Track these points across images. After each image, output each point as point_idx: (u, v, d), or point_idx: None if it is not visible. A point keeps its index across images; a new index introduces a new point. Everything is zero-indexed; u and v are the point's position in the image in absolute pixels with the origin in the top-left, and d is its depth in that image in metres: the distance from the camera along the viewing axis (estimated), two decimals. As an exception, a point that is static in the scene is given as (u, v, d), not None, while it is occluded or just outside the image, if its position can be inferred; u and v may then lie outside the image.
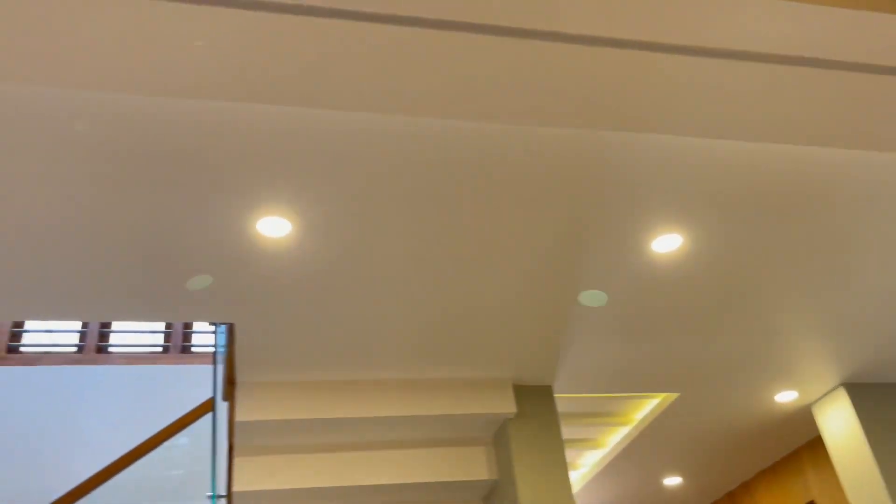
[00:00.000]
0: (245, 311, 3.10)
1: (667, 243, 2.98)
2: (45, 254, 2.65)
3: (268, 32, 1.92)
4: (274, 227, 2.65)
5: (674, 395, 4.41)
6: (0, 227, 2.50)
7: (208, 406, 4.22)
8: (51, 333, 5.97)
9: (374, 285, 3.05)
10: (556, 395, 4.07)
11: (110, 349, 6.02)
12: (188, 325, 6.18)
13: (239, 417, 3.52)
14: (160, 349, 6.11)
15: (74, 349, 5.91)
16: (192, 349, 6.12)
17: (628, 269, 3.11)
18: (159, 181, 2.39)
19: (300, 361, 3.53)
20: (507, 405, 3.84)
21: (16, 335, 5.80)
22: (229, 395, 3.65)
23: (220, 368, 4.02)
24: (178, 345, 6.10)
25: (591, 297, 2.93)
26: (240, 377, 3.57)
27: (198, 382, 5.50)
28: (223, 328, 3.91)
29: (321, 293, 3.06)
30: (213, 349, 6.03)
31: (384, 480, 3.79)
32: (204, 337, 6.19)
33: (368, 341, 3.45)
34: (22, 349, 5.77)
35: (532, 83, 2.14)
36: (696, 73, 2.22)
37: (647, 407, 4.73)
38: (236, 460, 3.68)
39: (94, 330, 5.98)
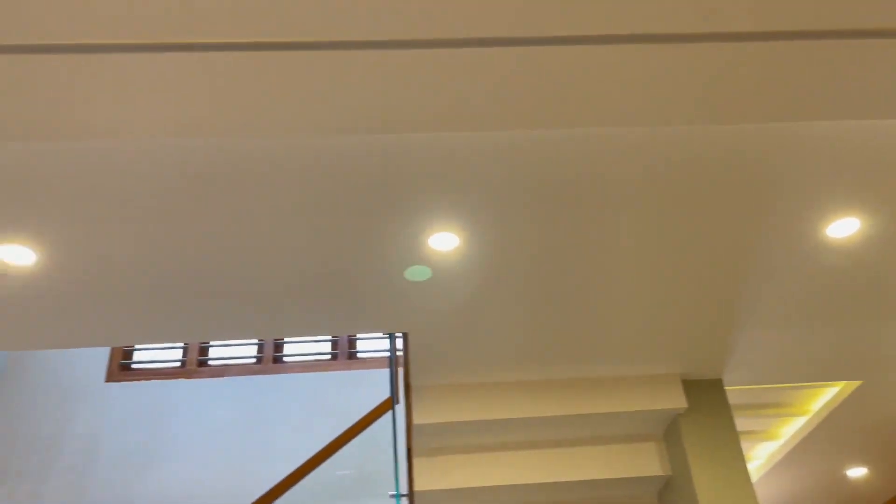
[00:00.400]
0: (418, 320, 3.29)
1: (843, 228, 2.87)
2: (238, 284, 2.95)
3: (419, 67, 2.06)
4: (444, 242, 2.81)
5: (856, 383, 4.19)
6: (194, 272, 2.82)
7: (383, 408, 4.45)
8: (233, 347, 6.52)
9: (536, 289, 3.14)
10: (726, 388, 3.99)
11: (285, 359, 6.49)
12: (353, 334, 6.53)
13: (416, 420, 3.72)
14: (329, 357, 6.51)
15: (254, 360, 6.43)
16: (358, 355, 6.48)
17: (801, 255, 3.02)
18: (339, 209, 2.60)
19: (471, 365, 3.68)
20: (676, 400, 3.82)
21: (204, 350, 6.40)
22: (406, 398, 3.86)
23: (393, 373, 4.26)
24: (345, 352, 6.48)
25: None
26: (415, 382, 3.78)
27: (366, 387, 5.84)
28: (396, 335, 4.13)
29: (487, 300, 3.19)
30: (376, 355, 6.38)
31: (557, 478, 3.87)
32: (367, 343, 6.54)
33: (535, 343, 3.55)
34: (210, 363, 6.36)
35: (703, 84, 2.16)
36: (857, 56, 2.13)
37: (824, 396, 4.50)
38: (415, 461, 3.89)
39: (269, 342, 6.47)
